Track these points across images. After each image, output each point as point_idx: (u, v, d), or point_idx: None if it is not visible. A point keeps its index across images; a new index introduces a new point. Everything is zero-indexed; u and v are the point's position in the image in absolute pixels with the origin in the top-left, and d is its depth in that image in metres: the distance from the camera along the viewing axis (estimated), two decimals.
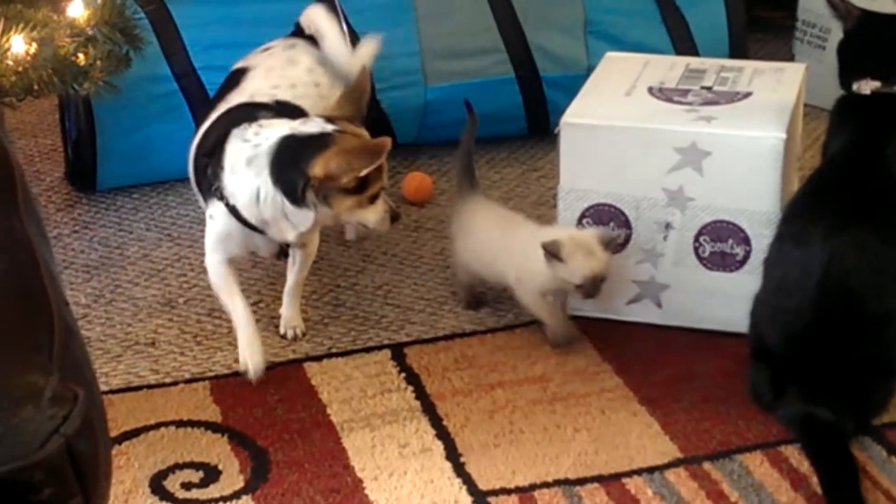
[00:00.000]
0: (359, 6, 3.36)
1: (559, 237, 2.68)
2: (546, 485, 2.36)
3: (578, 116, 2.83)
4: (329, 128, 2.46)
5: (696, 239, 2.78)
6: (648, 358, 2.77)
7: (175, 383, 2.69)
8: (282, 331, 2.83)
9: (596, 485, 2.36)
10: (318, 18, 2.93)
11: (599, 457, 2.45)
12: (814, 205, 2.57)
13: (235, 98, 2.71)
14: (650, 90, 2.92)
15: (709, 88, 2.91)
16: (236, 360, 2.73)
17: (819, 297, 2.44)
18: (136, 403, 2.63)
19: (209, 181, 2.57)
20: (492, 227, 2.88)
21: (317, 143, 2.43)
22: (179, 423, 2.57)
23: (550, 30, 3.60)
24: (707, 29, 3.66)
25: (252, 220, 2.53)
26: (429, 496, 2.35)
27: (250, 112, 2.60)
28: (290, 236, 2.55)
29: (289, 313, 2.83)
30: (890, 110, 2.64)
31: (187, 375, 2.72)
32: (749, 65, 3.07)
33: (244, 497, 2.36)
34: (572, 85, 3.07)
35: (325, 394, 2.63)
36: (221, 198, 2.54)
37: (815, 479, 2.35)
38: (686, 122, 2.76)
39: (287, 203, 2.46)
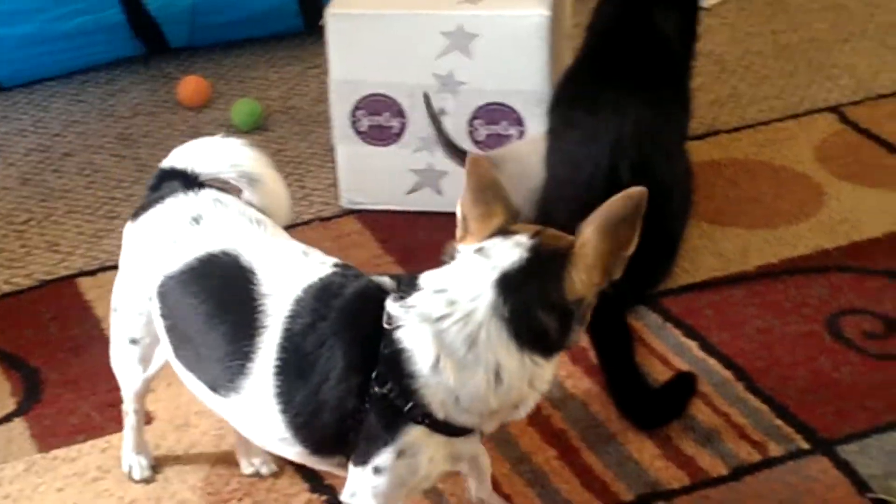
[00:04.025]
0: None
1: None
2: None
3: (344, 6, 2.77)
4: (523, 240, 1.74)
5: (471, 123, 2.76)
6: (432, 247, 2.74)
7: None
8: None
9: None
10: (255, 164, 2.04)
11: None
12: (594, 81, 2.57)
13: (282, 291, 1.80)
14: None
15: None
16: (7, 282, 2.64)
17: (606, 173, 2.43)
18: None
19: (388, 405, 1.73)
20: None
21: (545, 262, 1.73)
22: None
23: None
24: None
25: (475, 418, 1.77)
26: None
27: (363, 291, 1.78)
28: (524, 412, 1.81)
29: None
30: None
31: None
32: None
33: (16, 420, 2.29)
34: None
35: (99, 309, 2.55)
36: (423, 418, 1.74)
37: (593, 352, 2.37)
38: (451, 5, 2.72)
39: (540, 360, 1.74)
